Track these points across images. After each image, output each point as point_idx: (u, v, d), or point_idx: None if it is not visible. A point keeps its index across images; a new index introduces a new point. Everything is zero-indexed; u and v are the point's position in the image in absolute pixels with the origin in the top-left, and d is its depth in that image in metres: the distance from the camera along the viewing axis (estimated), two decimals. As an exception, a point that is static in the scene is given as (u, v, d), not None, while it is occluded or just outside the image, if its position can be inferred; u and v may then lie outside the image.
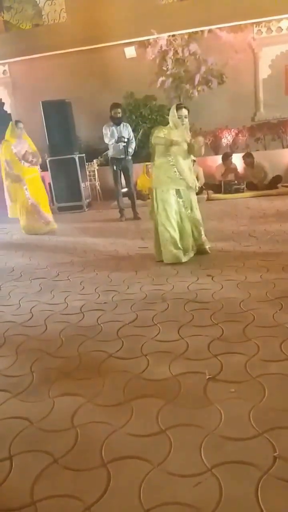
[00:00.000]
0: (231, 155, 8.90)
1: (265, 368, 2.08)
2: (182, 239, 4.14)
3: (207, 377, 2.05)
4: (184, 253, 4.14)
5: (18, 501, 1.43)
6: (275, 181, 8.51)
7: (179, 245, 4.10)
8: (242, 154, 8.87)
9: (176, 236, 4.08)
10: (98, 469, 1.54)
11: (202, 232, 4.28)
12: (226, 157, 8.83)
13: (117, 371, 2.21)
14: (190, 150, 4.19)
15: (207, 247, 4.32)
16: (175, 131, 4.10)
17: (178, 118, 4.10)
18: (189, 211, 4.16)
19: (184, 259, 4.10)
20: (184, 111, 4.11)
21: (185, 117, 4.13)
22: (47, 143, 8.62)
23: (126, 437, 1.69)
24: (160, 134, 4.09)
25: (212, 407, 1.82)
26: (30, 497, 1.44)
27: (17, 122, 6.33)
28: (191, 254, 4.23)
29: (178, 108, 4.11)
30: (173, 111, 4.13)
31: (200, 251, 4.30)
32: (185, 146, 4.15)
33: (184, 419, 1.76)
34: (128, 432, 1.72)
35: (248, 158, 8.58)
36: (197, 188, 4.29)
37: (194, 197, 4.24)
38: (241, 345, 2.35)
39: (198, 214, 4.23)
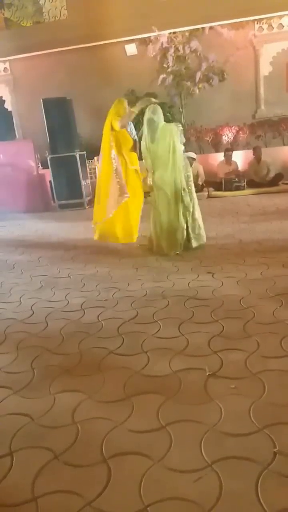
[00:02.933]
0: (231, 151, 8.94)
1: (265, 365, 2.08)
2: None
3: (208, 373, 2.05)
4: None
5: (19, 497, 1.44)
6: (276, 179, 8.51)
7: None
8: (244, 151, 8.89)
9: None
10: (99, 465, 1.54)
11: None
12: (226, 151, 8.90)
13: (117, 367, 2.21)
14: None
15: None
16: None
17: None
18: None
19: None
20: None
21: None
22: (48, 140, 8.61)
23: (127, 433, 1.69)
24: None
25: (212, 403, 1.82)
26: (31, 493, 1.45)
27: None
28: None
29: None
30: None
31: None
32: None
33: (184, 415, 1.77)
34: (129, 428, 1.72)
35: (257, 151, 8.60)
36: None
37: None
38: (241, 341, 2.35)
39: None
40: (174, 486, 1.41)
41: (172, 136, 4.18)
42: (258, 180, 8.55)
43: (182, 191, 4.24)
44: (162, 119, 4.30)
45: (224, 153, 8.99)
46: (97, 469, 1.52)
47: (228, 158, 8.90)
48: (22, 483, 1.50)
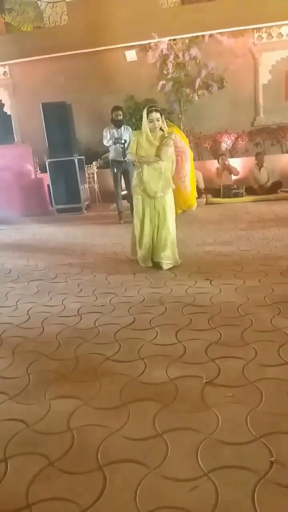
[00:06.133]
0: (223, 155, 9.04)
1: (262, 373, 2.08)
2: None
3: (205, 381, 2.04)
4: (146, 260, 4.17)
5: (13, 503, 1.42)
6: (275, 187, 8.54)
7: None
8: (242, 158, 8.93)
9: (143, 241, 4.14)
10: (94, 472, 1.53)
11: (167, 249, 4.05)
12: (218, 157, 9.01)
13: (114, 374, 2.20)
14: (159, 154, 3.95)
15: (165, 261, 4.04)
16: (144, 137, 3.96)
17: (150, 122, 3.88)
18: (155, 221, 4.08)
19: (143, 264, 4.16)
20: (155, 114, 3.86)
21: (157, 120, 3.88)
22: (47, 145, 8.62)
23: (123, 441, 1.68)
24: (132, 149, 4.08)
25: (209, 411, 1.81)
26: (25, 500, 1.43)
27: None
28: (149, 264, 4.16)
29: (149, 111, 3.88)
30: (144, 115, 3.90)
31: (155, 264, 4.11)
32: (153, 153, 3.97)
33: (181, 423, 1.76)
34: (125, 435, 1.71)
35: (259, 157, 8.66)
36: (160, 197, 4.02)
37: (166, 207, 4.05)
38: (239, 349, 2.34)
39: (168, 227, 4.04)
40: (170, 495, 1.40)
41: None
42: (256, 187, 8.58)
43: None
44: (142, 127, 3.98)
45: (218, 159, 9.04)
46: (93, 476, 1.51)
47: (221, 162, 8.96)
48: (17, 489, 1.48)
